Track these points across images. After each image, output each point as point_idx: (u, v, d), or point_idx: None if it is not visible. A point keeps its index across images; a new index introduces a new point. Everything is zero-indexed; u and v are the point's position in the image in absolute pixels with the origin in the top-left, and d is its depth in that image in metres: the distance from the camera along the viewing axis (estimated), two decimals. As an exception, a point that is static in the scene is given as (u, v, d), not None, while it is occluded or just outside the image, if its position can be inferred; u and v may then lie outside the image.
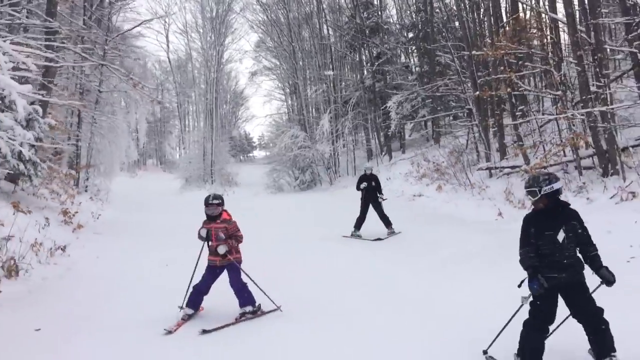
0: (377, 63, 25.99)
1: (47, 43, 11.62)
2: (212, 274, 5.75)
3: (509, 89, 12.75)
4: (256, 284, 5.77)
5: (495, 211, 11.55)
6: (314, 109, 30.40)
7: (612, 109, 10.18)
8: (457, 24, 20.03)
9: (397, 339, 4.78)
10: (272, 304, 5.76)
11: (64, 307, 5.99)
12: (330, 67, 28.78)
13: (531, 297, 3.82)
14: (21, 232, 8.12)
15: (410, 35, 27.54)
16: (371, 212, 11.09)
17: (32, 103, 11.84)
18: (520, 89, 12.92)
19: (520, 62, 13.35)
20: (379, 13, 28.17)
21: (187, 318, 5.53)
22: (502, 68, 13.27)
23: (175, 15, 46.27)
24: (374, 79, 26.65)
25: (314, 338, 4.90)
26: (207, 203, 5.78)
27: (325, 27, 30.08)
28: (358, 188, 11.48)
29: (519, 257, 3.91)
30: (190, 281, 5.75)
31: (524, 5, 16.73)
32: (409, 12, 28.89)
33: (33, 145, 10.75)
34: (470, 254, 8.14)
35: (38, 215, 9.99)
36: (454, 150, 17.57)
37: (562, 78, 11.74)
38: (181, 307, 5.67)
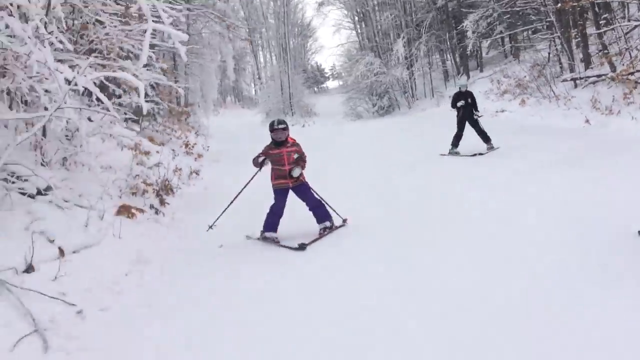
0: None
1: None
2: (284, 196, 5.97)
3: (592, -2, 12.73)
4: (322, 200, 6.11)
5: (582, 119, 11.98)
6: (385, 36, 30.44)
7: None
8: None
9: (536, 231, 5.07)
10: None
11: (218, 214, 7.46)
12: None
13: None
14: (163, 161, 9.67)
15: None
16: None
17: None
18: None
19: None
20: None
21: (278, 241, 5.83)
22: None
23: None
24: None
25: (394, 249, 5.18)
26: (273, 128, 5.90)
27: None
28: (453, 106, 11.17)
29: None
30: (228, 206, 6.26)
31: None
32: None
33: (154, 87, 12.27)
34: (564, 156, 8.83)
35: (167, 148, 11.61)
36: (535, 64, 17.59)
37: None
38: (210, 227, 6.22)
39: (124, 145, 7.80)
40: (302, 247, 5.51)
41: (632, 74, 11.50)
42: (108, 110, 4.71)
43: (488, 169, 8.77)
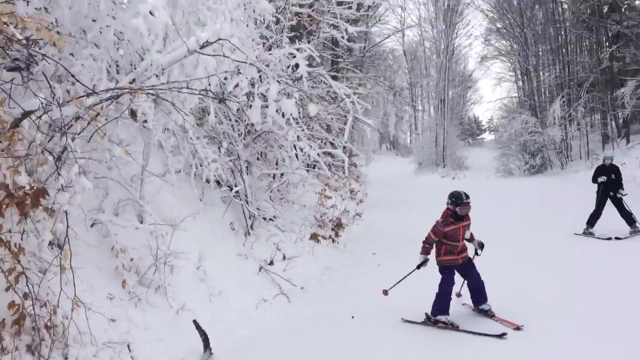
0: (615, 46, 26.45)
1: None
2: (453, 273, 5.79)
3: None
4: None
5: None
6: (546, 92, 31.81)
7: None
8: None
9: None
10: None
11: (381, 246, 10.42)
12: (564, 50, 29.87)
13: None
14: (335, 203, 12.97)
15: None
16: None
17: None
18: None
19: None
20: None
21: (457, 325, 5.48)
22: None
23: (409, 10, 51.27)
24: (611, 60, 27.11)
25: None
26: (461, 202, 5.61)
27: (559, 8, 30.96)
28: (594, 181, 10.61)
29: None
30: (402, 279, 5.99)
31: None
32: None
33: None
34: None
35: (337, 193, 15.02)
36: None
37: None
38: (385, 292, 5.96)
39: (315, 191, 11.23)
40: (503, 335, 5.11)
41: None
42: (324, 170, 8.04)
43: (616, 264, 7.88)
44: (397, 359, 4.98)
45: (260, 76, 6.66)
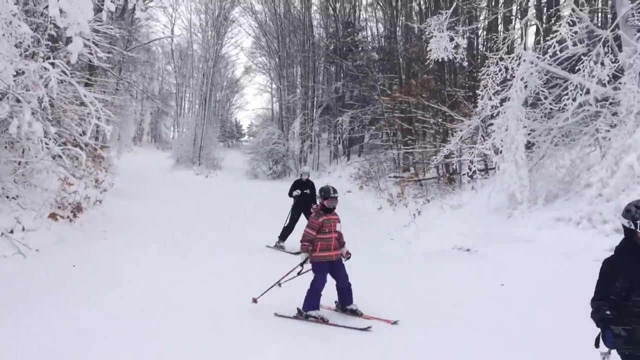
0: (345, 80, 32.84)
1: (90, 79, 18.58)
2: (326, 270, 6.10)
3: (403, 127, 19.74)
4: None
5: (378, 206, 18.67)
6: (290, 112, 37.37)
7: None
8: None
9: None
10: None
11: (112, 227, 13.02)
12: (310, 77, 35.70)
13: (609, 351, 3.41)
14: (78, 190, 15.12)
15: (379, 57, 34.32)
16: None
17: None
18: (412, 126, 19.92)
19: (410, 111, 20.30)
20: (355, 34, 34.87)
21: (327, 320, 5.99)
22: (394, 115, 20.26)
23: (180, 12, 53.54)
24: (343, 90, 33.55)
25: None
26: (329, 196, 6.11)
27: (309, 41, 36.81)
28: (290, 194, 11.01)
29: (591, 310, 3.48)
30: (276, 284, 6.47)
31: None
32: (378, 36, 35.75)
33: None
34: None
35: (82, 181, 17.05)
36: (381, 161, 24.56)
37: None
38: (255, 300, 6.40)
39: (58, 177, 13.35)
40: (368, 328, 5.64)
41: (410, 180, 18.34)
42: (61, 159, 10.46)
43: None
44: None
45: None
